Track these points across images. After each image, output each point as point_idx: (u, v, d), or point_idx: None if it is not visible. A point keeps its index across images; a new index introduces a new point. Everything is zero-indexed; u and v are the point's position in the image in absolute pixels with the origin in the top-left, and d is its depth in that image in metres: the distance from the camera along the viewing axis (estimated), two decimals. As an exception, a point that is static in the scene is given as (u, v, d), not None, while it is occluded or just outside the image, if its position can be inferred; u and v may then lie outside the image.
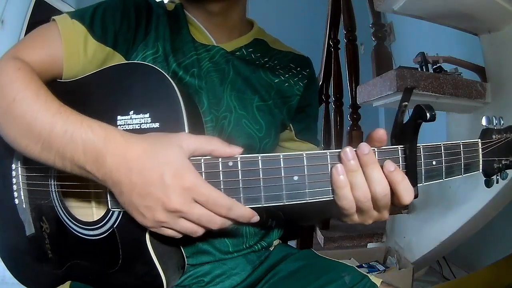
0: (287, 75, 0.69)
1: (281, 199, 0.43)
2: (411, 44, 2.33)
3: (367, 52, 1.99)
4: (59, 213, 0.54)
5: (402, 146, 0.44)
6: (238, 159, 0.42)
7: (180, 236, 0.44)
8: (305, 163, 0.42)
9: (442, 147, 0.46)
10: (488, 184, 0.51)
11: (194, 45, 0.62)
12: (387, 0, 1.20)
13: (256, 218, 0.43)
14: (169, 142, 0.42)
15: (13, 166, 0.58)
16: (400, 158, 0.44)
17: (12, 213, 0.57)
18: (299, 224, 0.80)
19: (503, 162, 0.50)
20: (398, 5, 1.16)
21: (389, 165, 0.42)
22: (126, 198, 0.42)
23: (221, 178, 0.43)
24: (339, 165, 0.42)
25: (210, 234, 0.59)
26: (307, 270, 0.64)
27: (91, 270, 0.52)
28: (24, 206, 0.57)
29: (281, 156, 0.42)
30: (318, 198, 0.43)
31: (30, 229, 0.56)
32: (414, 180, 0.43)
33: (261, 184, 0.42)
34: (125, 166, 0.41)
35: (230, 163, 0.43)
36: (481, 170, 0.49)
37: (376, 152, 0.43)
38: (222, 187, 0.43)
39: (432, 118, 0.40)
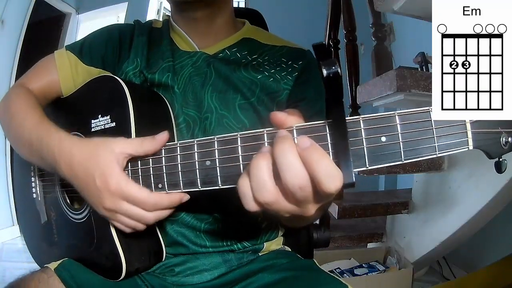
0: (273, 70, 0.67)
1: (196, 185, 0.44)
2: (411, 44, 2.33)
3: (367, 52, 1.99)
4: (61, 202, 0.64)
5: (329, 120, 0.35)
6: (162, 148, 0.47)
7: (128, 230, 0.50)
8: (216, 147, 0.41)
9: (396, 117, 0.34)
10: (500, 168, 0.35)
11: (174, 54, 0.67)
12: (387, 0, 1.20)
13: (185, 197, 0.48)
14: (103, 148, 0.48)
15: (32, 166, 0.72)
16: (328, 135, 0.35)
17: (32, 205, 0.71)
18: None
19: None
20: (398, 5, 1.17)
21: (303, 141, 0.33)
22: (82, 194, 0.51)
23: (151, 165, 0.47)
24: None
25: (186, 228, 0.62)
26: (285, 284, 0.56)
27: (79, 249, 0.60)
28: (39, 199, 0.70)
29: (195, 142, 0.43)
30: (231, 184, 0.40)
31: (44, 218, 0.69)
32: (344, 161, 0.33)
33: (179, 169, 0.45)
34: (71, 172, 0.50)
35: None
36: (471, 147, 0.34)
37: (294, 131, 0.36)
38: (151, 172, 0.47)
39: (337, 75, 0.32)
